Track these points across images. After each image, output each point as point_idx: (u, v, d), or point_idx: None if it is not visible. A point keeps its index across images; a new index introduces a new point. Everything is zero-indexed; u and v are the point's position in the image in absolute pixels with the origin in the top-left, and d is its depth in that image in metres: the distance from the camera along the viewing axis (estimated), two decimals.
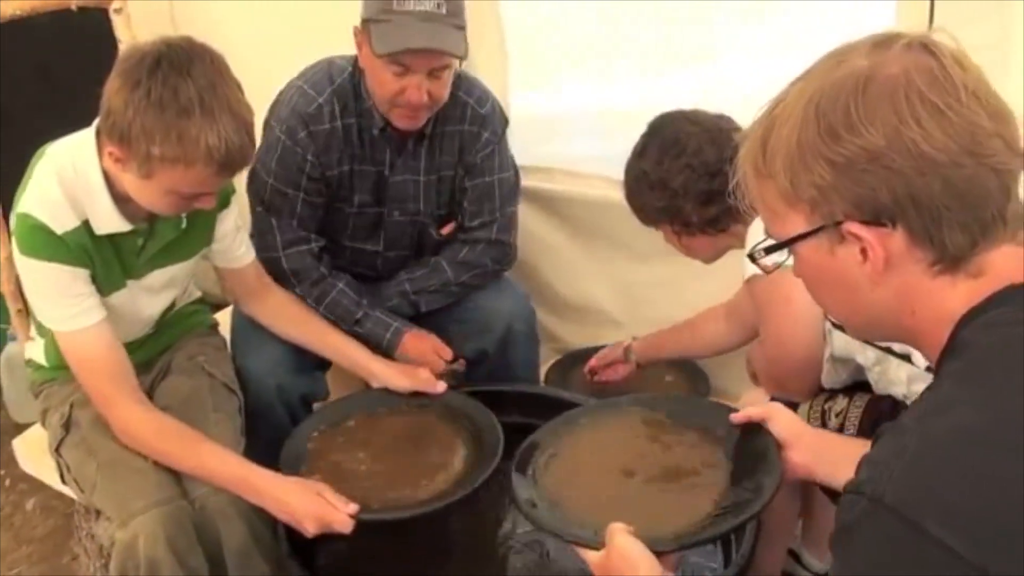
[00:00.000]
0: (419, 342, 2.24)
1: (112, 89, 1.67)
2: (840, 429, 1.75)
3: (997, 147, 0.95)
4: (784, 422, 1.45)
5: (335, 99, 2.14)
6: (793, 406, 1.84)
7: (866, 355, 1.69)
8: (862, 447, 1.06)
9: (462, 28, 1.99)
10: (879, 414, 1.67)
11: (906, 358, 1.62)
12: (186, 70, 1.65)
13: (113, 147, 1.69)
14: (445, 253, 2.33)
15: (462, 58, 2.02)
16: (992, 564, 0.80)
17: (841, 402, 1.77)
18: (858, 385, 1.79)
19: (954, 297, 0.99)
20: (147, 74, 1.64)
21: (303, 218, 2.21)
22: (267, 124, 2.19)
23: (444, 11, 1.95)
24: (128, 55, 1.71)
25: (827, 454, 1.41)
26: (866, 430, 1.68)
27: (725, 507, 1.44)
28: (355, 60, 2.14)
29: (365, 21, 2.02)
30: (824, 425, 1.77)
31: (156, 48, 1.67)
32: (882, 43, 0.98)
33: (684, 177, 1.88)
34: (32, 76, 2.45)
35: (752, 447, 1.49)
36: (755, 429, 1.50)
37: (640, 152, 1.97)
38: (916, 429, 0.91)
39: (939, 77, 0.95)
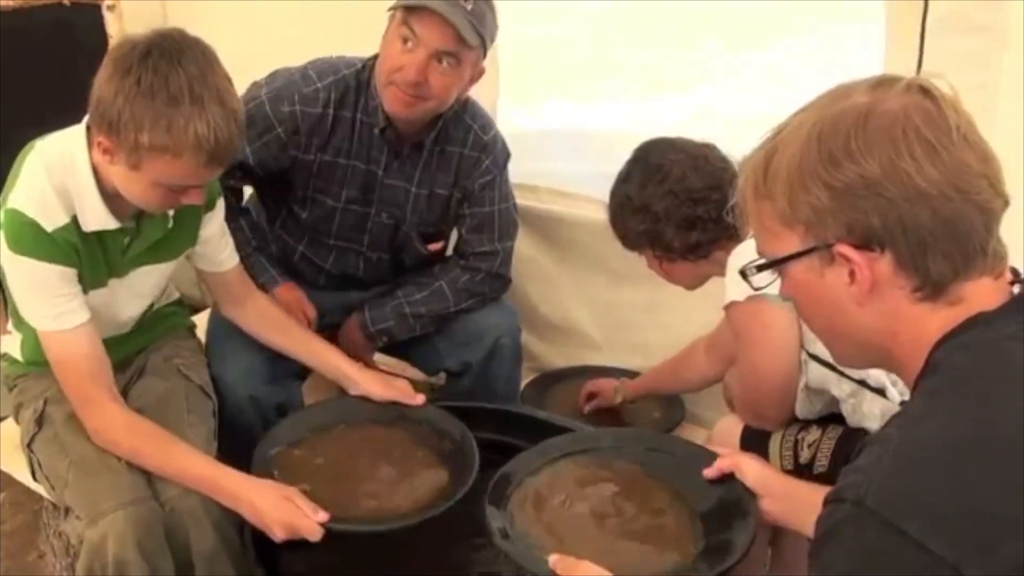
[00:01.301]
0: (287, 294, 2.30)
1: (102, 78, 1.67)
2: (812, 460, 1.76)
3: (982, 186, 1.01)
4: (754, 474, 1.51)
5: (334, 88, 2.17)
6: (766, 435, 1.86)
7: (841, 387, 1.71)
8: None
9: (479, 32, 2.02)
10: (852, 447, 1.68)
11: (880, 392, 1.64)
12: (177, 60, 1.64)
13: (102, 136, 1.68)
14: (445, 278, 2.34)
15: (469, 48, 2.02)
16: (967, 564, 0.84)
17: (814, 433, 1.79)
18: (832, 417, 1.81)
19: (933, 322, 1.04)
20: (138, 62, 1.63)
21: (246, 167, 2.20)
22: (255, 82, 2.20)
23: (469, 7, 1.99)
24: (119, 45, 1.70)
25: (800, 504, 1.44)
26: (838, 462, 1.69)
27: (700, 558, 1.45)
28: (368, 60, 2.17)
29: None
30: (796, 456, 1.79)
31: (147, 38, 1.67)
32: (883, 83, 1.05)
33: (667, 203, 1.89)
34: (22, 69, 2.44)
35: (726, 496, 1.52)
36: (728, 477, 1.52)
37: (624, 177, 1.98)
38: (896, 437, 0.96)
39: (935, 117, 1.01)
